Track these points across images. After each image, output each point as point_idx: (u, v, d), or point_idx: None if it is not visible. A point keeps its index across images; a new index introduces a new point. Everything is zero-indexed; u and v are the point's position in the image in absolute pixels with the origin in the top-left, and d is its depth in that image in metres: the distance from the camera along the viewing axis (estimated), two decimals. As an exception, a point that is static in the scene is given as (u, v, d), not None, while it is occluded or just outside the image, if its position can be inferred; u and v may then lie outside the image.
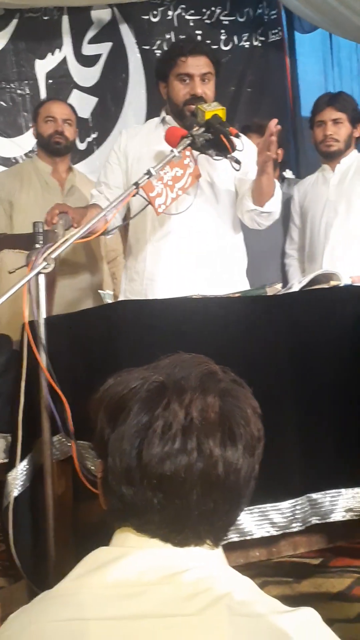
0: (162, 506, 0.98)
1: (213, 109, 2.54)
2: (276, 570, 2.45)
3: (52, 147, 3.64)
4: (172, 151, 2.48)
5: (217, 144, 2.53)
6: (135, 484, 0.98)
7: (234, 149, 2.50)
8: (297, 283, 2.30)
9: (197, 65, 2.77)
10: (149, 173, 2.42)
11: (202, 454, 0.96)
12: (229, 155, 2.51)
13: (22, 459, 2.28)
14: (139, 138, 2.90)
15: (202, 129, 2.52)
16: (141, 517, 0.99)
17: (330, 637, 0.93)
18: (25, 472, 2.32)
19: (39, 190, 3.63)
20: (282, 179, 3.86)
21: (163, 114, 2.92)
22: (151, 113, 4.63)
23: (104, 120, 4.63)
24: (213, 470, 0.97)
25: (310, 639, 0.91)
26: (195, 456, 0.96)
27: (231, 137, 2.49)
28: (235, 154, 2.51)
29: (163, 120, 2.89)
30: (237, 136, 2.52)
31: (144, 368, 1.06)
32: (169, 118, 2.87)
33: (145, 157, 2.82)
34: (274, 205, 2.78)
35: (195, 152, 2.60)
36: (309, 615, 0.93)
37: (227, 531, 1.04)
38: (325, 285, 2.28)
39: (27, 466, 2.33)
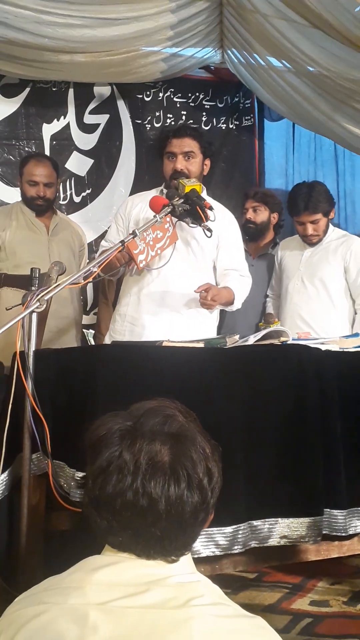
0: (120, 531, 1.04)
1: (192, 184, 2.60)
2: (218, 582, 2.44)
3: (34, 207, 3.59)
4: (155, 216, 2.53)
5: (193, 213, 2.59)
6: (99, 513, 1.05)
7: (207, 219, 2.56)
8: (252, 337, 2.32)
9: (180, 145, 2.84)
10: (134, 233, 2.45)
11: (145, 494, 1.01)
12: (202, 224, 2.57)
13: (3, 471, 2.25)
14: (141, 205, 2.92)
15: (182, 200, 2.57)
16: (110, 538, 1.06)
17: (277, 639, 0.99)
18: (4, 483, 2.29)
19: (25, 230, 3.58)
20: (275, 244, 3.93)
21: (162, 186, 2.96)
22: (138, 177, 4.69)
23: (98, 179, 4.65)
24: (156, 506, 1.02)
25: (263, 638, 0.98)
26: (140, 495, 1.01)
27: (206, 209, 2.54)
28: (207, 224, 2.58)
29: (161, 192, 2.92)
30: (210, 209, 2.58)
31: (126, 412, 1.11)
32: (165, 190, 2.89)
33: (141, 221, 2.85)
34: (238, 304, 2.95)
35: (174, 219, 2.65)
36: (263, 622, 1.00)
37: (185, 549, 1.08)
38: (275, 341, 2.31)
39: (7, 477, 2.30)
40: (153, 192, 2.97)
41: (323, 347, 2.33)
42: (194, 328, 2.77)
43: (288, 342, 2.33)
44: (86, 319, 4.45)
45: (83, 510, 1.09)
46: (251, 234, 3.85)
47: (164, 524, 1.02)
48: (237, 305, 2.94)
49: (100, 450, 1.05)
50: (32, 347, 2.20)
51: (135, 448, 1.03)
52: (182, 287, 2.85)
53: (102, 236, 3.46)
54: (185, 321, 2.82)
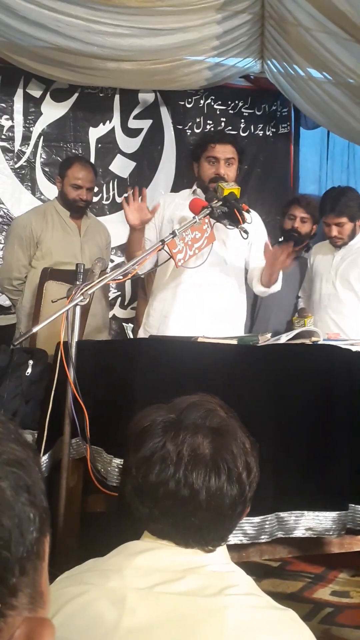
0: (161, 519, 1.02)
1: (230, 188, 2.58)
2: (243, 569, 2.43)
3: (73, 208, 3.55)
4: (194, 217, 2.52)
5: (230, 216, 2.57)
6: (142, 500, 1.04)
7: (244, 221, 2.54)
8: (284, 336, 2.30)
9: (223, 151, 2.81)
10: (173, 233, 2.44)
11: (187, 484, 1.00)
12: (239, 226, 2.55)
13: (44, 454, 2.28)
14: (174, 205, 2.90)
15: (220, 203, 2.55)
16: (151, 525, 1.04)
17: (308, 634, 0.97)
18: (45, 465, 2.31)
19: (60, 232, 3.55)
20: (308, 249, 3.86)
21: (194, 187, 2.93)
22: (177, 180, 4.68)
23: (140, 181, 4.64)
24: (196, 496, 1.00)
25: (295, 632, 0.95)
26: (182, 485, 1.00)
27: (243, 212, 2.52)
28: (244, 226, 2.55)
29: (194, 192, 2.89)
30: (247, 211, 2.55)
31: (169, 405, 1.09)
32: (198, 191, 2.87)
33: (175, 221, 2.84)
34: (277, 287, 2.88)
35: (212, 220, 2.64)
36: (294, 615, 0.98)
37: (222, 540, 1.06)
38: (306, 341, 2.28)
39: (47, 460, 2.33)
40: (185, 193, 2.95)
41: (353, 348, 2.29)
42: (224, 324, 2.76)
43: (319, 342, 2.30)
44: (124, 313, 4.47)
45: (126, 496, 1.08)
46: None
47: (203, 514, 1.01)
48: (278, 287, 2.90)
49: (144, 441, 1.04)
50: (75, 338, 2.22)
51: (178, 440, 1.02)
52: (216, 286, 2.84)
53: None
54: (216, 317, 2.80)
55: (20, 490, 0.49)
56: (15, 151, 4.38)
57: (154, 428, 1.05)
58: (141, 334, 2.94)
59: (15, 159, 4.39)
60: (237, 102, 4.86)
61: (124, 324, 2.88)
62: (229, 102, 4.84)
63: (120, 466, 1.95)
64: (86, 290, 2.21)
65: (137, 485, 1.04)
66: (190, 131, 4.75)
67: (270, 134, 4.96)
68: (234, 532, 1.90)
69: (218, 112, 4.82)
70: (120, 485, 1.93)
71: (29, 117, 4.40)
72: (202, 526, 1.02)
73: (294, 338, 2.30)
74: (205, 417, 1.06)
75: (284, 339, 2.27)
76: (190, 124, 4.76)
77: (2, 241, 4.34)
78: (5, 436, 0.51)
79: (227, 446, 1.04)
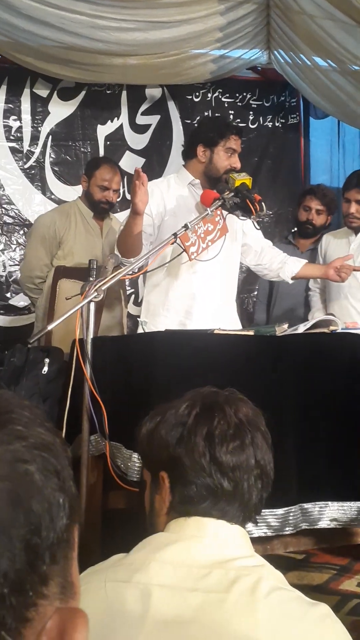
0: (232, 488, 1.05)
1: (242, 178, 2.54)
2: (267, 561, 2.41)
3: (97, 209, 3.52)
4: (206, 210, 2.48)
5: (243, 207, 2.53)
6: (212, 475, 1.05)
7: (257, 212, 2.50)
8: (302, 326, 2.27)
9: (238, 144, 2.77)
10: (186, 226, 2.41)
11: (255, 446, 1.06)
12: (252, 217, 2.51)
13: (63, 452, 2.26)
14: (172, 197, 2.80)
15: (232, 194, 2.51)
16: (212, 500, 1.05)
17: (341, 629, 0.94)
18: (65, 463, 2.30)
19: (82, 232, 3.52)
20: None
21: (190, 177, 2.77)
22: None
23: (149, 177, 4.54)
24: (259, 462, 1.06)
25: (328, 627, 0.93)
26: (252, 449, 1.05)
27: (255, 202, 2.48)
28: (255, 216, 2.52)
29: (192, 183, 2.77)
30: (259, 202, 2.51)
31: (176, 401, 1.12)
32: (197, 182, 2.75)
33: (173, 199, 2.77)
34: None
35: (225, 212, 2.60)
36: (327, 610, 0.95)
37: (259, 512, 1.11)
38: (325, 330, 2.25)
39: (67, 458, 2.31)
40: (180, 182, 2.81)
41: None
42: (231, 318, 2.75)
43: (338, 331, 2.26)
44: (138, 310, 4.44)
45: (168, 491, 1.08)
46: (305, 233, 3.74)
47: (266, 478, 1.07)
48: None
49: (190, 428, 1.07)
50: (90, 335, 2.20)
51: (230, 409, 1.07)
52: (228, 279, 2.81)
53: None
54: (226, 311, 2.78)
55: (50, 475, 0.47)
56: (24, 151, 4.37)
57: (194, 413, 1.07)
58: (145, 329, 2.74)
59: (25, 160, 4.38)
60: (245, 94, 4.82)
61: (139, 319, 2.85)
62: (237, 95, 4.80)
63: (140, 461, 1.93)
64: (100, 286, 2.19)
65: (205, 462, 1.05)
66: (198, 125, 4.72)
67: (280, 125, 4.91)
68: (258, 524, 1.88)
69: (226, 105, 4.79)
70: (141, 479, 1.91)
71: (37, 117, 4.39)
72: (258, 494, 1.07)
73: (311, 328, 2.26)
74: (217, 393, 1.11)
75: (301, 329, 2.24)
76: (198, 118, 4.72)
77: (14, 242, 4.35)
78: (32, 421, 0.49)
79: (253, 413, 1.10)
